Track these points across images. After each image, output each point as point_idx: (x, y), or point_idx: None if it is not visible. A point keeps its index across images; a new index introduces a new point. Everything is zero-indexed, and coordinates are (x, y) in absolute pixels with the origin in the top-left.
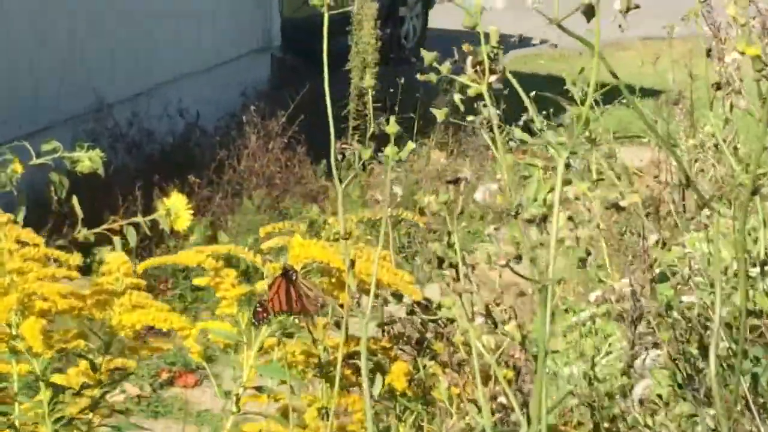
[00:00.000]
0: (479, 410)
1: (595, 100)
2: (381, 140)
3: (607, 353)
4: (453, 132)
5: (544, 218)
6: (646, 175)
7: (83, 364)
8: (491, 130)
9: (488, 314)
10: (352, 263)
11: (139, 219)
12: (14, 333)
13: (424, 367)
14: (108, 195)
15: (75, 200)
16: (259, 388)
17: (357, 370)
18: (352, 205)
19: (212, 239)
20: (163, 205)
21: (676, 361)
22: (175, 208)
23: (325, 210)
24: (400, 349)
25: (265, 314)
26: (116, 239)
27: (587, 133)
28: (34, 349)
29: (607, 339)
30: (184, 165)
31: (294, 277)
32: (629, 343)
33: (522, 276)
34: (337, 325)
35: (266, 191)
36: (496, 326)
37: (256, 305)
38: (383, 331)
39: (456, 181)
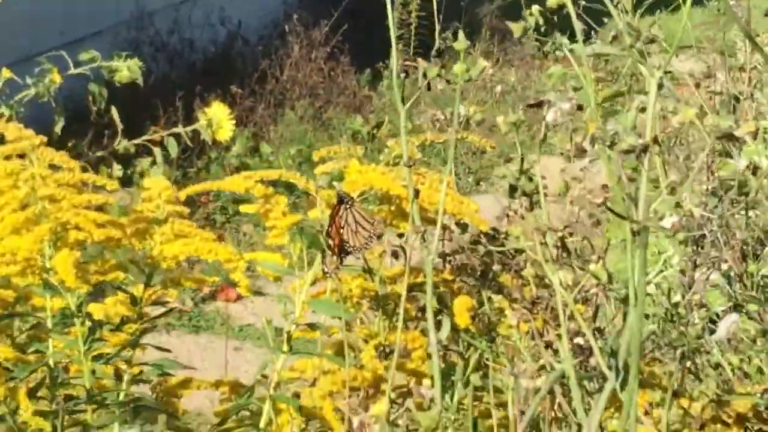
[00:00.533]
0: (555, 352)
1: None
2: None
3: (661, 270)
4: (498, 41)
5: (645, 149)
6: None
7: (122, 294)
8: (537, 41)
9: (563, 247)
10: (417, 192)
11: (179, 129)
12: (47, 265)
13: (489, 299)
14: (148, 105)
15: (114, 111)
16: (312, 325)
17: (418, 305)
18: (398, 119)
19: (254, 150)
20: (205, 115)
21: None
22: (217, 119)
23: (369, 121)
24: (462, 281)
25: (339, 257)
26: (157, 150)
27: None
28: (67, 284)
29: (660, 255)
30: (226, 75)
31: (350, 205)
32: (692, 263)
33: (618, 215)
34: (395, 255)
35: (309, 102)
36: (569, 257)
37: (323, 248)
38: (445, 262)
39: (539, 105)
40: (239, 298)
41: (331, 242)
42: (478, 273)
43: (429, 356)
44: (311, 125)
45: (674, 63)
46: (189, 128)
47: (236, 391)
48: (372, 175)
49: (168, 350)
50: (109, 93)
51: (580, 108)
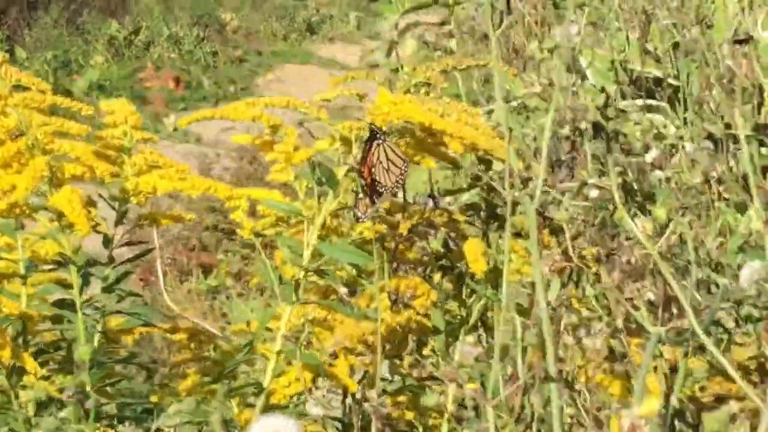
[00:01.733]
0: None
1: None
2: None
3: None
4: None
5: None
6: None
7: None
8: None
9: (625, 189)
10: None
11: None
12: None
13: (500, 237)
14: None
15: None
16: (321, 272)
17: (422, 250)
18: (156, 25)
19: (9, 54)
20: None
21: None
22: None
23: (125, 26)
24: (468, 223)
25: (375, 198)
26: None
27: None
28: (77, 227)
29: None
30: None
31: (383, 141)
32: None
33: None
34: (394, 195)
35: (64, 4)
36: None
37: (359, 190)
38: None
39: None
40: None
41: (363, 182)
42: (485, 213)
43: (434, 305)
44: (66, 30)
45: None
46: None
47: (196, 338)
48: (408, 107)
49: (139, 295)
50: None
51: None
